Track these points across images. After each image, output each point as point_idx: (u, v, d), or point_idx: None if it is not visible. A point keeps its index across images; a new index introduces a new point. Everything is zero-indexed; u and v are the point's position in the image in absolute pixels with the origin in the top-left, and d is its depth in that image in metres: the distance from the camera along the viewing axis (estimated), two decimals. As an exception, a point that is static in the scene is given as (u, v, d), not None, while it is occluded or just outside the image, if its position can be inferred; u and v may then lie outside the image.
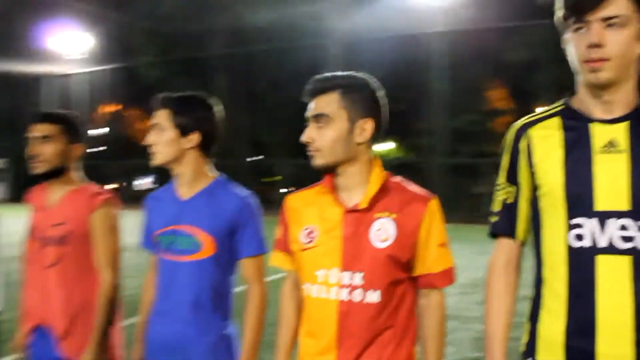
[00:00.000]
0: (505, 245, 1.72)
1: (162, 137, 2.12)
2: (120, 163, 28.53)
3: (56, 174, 2.45)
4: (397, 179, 1.89)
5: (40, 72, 29.44)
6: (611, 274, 1.47)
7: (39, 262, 2.41)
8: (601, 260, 1.48)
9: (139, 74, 27.33)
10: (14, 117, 31.14)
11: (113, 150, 29.81)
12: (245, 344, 2.09)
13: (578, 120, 1.57)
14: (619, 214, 1.47)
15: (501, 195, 1.71)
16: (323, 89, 1.80)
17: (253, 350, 2.10)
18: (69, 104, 29.20)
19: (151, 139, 2.14)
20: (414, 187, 1.88)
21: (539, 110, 1.71)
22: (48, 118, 2.47)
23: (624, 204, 1.47)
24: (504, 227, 1.71)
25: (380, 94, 1.85)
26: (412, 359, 1.83)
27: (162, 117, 2.13)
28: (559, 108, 1.64)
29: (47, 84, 30.44)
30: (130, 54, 26.98)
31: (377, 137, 1.84)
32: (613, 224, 1.47)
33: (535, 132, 1.63)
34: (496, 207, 1.73)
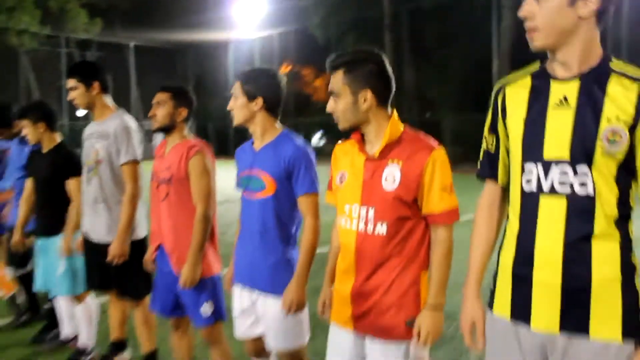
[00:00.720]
0: (489, 187, 1.99)
1: (236, 103, 2.70)
2: (297, 121, 30.44)
3: (167, 130, 3.19)
4: (413, 132, 2.25)
5: (227, 38, 32.07)
6: (549, 213, 1.70)
7: (156, 197, 3.19)
8: (543, 201, 1.71)
9: (312, 35, 28.53)
10: (202, 82, 34.49)
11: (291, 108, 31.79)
12: (298, 266, 2.62)
13: (544, 79, 1.77)
14: (560, 162, 1.68)
15: (485, 144, 1.97)
16: (332, 67, 2.22)
17: (304, 271, 2.61)
18: (252, 67, 31.59)
19: (230, 105, 2.73)
20: (424, 139, 2.22)
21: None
22: (163, 88, 3.20)
23: (565, 154, 1.68)
24: (487, 171, 1.98)
25: (381, 65, 2.20)
26: (418, 283, 2.21)
27: (236, 87, 2.71)
28: (533, 69, 1.85)
29: (233, 49, 33.07)
30: (304, 16, 28.23)
31: (384, 100, 2.22)
32: (555, 169, 1.69)
33: (509, 90, 1.86)
34: (481, 153, 2.00)
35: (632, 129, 1.60)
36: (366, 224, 2.19)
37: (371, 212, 2.18)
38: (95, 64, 3.79)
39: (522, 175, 1.78)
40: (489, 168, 1.97)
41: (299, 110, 32.11)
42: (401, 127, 2.24)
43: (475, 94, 24.29)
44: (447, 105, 24.08)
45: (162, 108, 3.15)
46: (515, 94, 1.84)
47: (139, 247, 3.56)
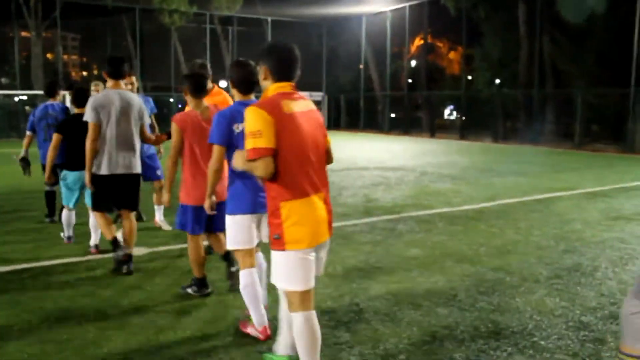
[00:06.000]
0: None
1: None
2: (429, 93, 30.58)
3: None
4: (261, 100, 2.93)
5: (360, 12, 32.64)
6: None
7: None
8: None
9: (444, 7, 28.26)
10: (336, 55, 35.58)
11: (422, 81, 31.91)
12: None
13: None
14: None
15: None
16: None
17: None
18: (384, 40, 32.02)
19: None
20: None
21: None
22: None
23: None
24: None
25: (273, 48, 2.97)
26: (279, 209, 2.80)
27: None
28: None
29: (366, 22, 33.60)
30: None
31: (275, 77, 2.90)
32: None
33: None
34: None
35: None
36: None
37: None
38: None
39: None
40: None
41: (432, 83, 32.02)
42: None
43: (613, 68, 22.94)
44: (583, 79, 22.94)
45: None
46: None
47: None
